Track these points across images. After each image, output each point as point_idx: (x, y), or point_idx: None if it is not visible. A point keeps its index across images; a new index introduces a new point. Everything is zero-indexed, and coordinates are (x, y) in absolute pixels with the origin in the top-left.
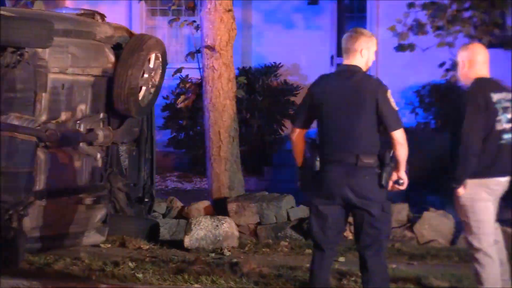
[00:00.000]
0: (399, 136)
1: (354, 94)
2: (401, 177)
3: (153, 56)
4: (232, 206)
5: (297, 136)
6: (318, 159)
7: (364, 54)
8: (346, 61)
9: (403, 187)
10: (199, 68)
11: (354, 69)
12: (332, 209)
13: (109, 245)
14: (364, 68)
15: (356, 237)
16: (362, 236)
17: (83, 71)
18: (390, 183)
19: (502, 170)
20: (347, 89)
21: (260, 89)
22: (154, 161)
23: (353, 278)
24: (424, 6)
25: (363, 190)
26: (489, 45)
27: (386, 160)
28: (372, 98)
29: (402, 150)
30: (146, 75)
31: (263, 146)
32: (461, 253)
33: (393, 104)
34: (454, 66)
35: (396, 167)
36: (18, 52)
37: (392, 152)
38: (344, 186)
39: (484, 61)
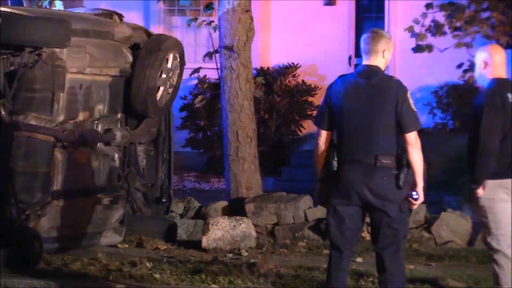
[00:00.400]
0: (413, 137)
1: (374, 95)
2: (417, 192)
3: (171, 56)
4: (249, 207)
5: (325, 139)
6: (336, 158)
7: (386, 55)
8: (366, 62)
9: (418, 202)
10: (217, 69)
11: (375, 70)
12: (349, 209)
13: (127, 245)
14: (383, 69)
15: (373, 237)
16: (380, 236)
17: (101, 71)
18: (404, 195)
19: None
20: (368, 90)
21: (278, 90)
22: (171, 161)
23: (370, 279)
24: (442, 7)
25: (381, 190)
26: (507, 46)
27: (404, 161)
28: (393, 99)
29: (415, 153)
30: (164, 75)
31: (281, 146)
32: (479, 254)
33: (412, 105)
34: (472, 67)
35: (413, 181)
36: (36, 52)
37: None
38: (362, 187)
39: (502, 62)
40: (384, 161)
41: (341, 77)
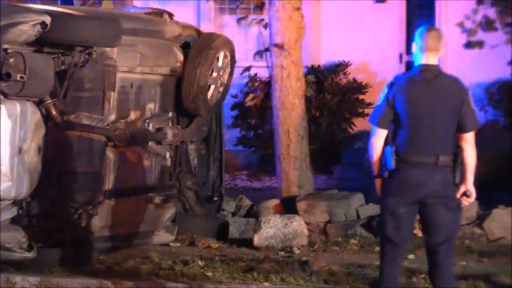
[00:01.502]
0: (471, 137)
1: (438, 95)
2: (469, 190)
3: (221, 55)
4: (301, 205)
5: (382, 138)
6: (395, 157)
7: (442, 53)
8: (428, 61)
9: (471, 200)
10: (268, 67)
11: (437, 69)
12: (407, 208)
13: (179, 244)
14: None
15: (428, 234)
16: (436, 233)
17: (152, 70)
18: (458, 195)
19: None
20: (431, 89)
21: (329, 88)
22: (223, 160)
23: (422, 276)
24: (493, 3)
25: (441, 188)
26: None
27: (460, 159)
28: (456, 99)
29: (471, 151)
30: (214, 74)
31: (332, 144)
32: None
33: (473, 104)
34: None
35: (463, 178)
36: (87, 51)
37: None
38: (423, 186)
39: None
40: (443, 160)
41: (402, 76)
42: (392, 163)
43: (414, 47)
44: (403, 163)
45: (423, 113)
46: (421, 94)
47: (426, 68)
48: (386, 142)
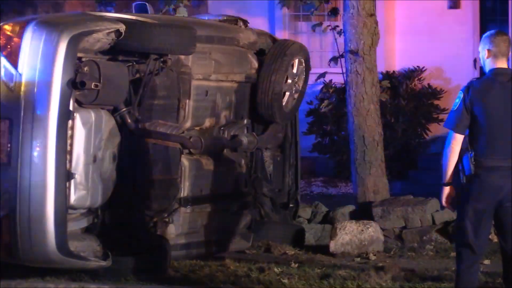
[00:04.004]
0: None
1: None
2: None
3: (296, 62)
4: (377, 211)
5: (460, 143)
6: (474, 162)
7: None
8: (501, 65)
9: None
10: (343, 73)
11: (511, 73)
12: (486, 213)
13: (255, 251)
14: None
15: (503, 238)
16: None
17: (227, 77)
18: None
19: None
20: (508, 93)
21: (404, 93)
22: (298, 166)
23: (498, 281)
24: None
25: None
26: None
27: None
28: None
29: None
30: (289, 81)
31: (408, 150)
32: None
33: None
34: None
35: None
36: (162, 59)
37: None
38: (502, 190)
39: None
40: None
41: (478, 80)
42: (471, 168)
43: (486, 53)
44: (481, 168)
45: (500, 116)
46: (498, 98)
47: (500, 71)
48: (462, 147)
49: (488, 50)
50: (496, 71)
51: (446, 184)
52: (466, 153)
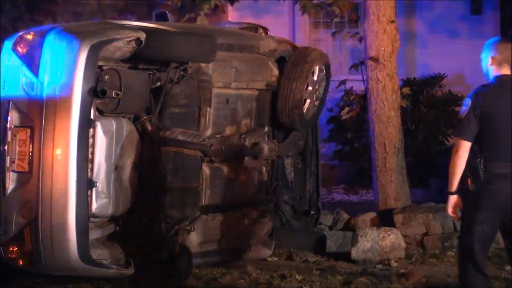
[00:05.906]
0: None
1: None
2: None
3: (317, 69)
4: (398, 217)
5: (468, 150)
6: (483, 169)
7: None
8: (506, 71)
9: None
10: (363, 80)
11: None
12: (494, 222)
13: (276, 258)
14: None
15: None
16: None
17: (247, 85)
18: None
19: None
20: None
21: (424, 100)
22: (319, 173)
23: None
24: None
25: None
26: None
27: None
28: None
29: None
30: (310, 88)
31: (429, 157)
32: None
33: None
34: None
35: None
36: (182, 67)
37: None
38: (510, 199)
39: None
40: None
41: (484, 87)
42: (480, 174)
43: (490, 60)
44: (491, 174)
45: (509, 123)
46: (506, 105)
47: (506, 78)
48: (470, 155)
49: (492, 57)
50: (502, 78)
51: (453, 193)
52: (475, 160)
